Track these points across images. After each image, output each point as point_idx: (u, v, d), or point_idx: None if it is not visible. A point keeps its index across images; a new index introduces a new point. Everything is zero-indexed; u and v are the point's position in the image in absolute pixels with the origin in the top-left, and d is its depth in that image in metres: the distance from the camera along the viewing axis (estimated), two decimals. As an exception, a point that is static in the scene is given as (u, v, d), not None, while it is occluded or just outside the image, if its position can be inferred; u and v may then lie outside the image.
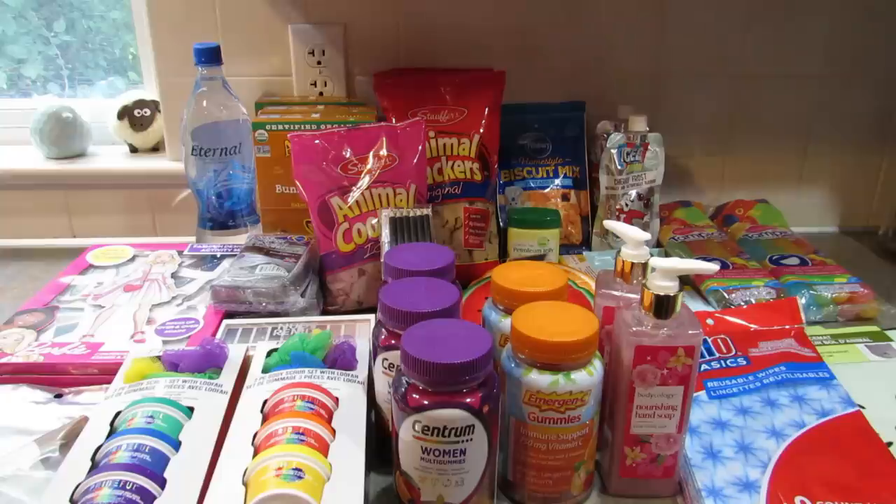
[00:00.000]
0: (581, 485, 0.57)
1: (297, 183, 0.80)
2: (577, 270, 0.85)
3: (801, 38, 1.02)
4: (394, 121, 0.89)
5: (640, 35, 1.00)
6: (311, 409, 0.54)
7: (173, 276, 0.84)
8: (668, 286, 0.52)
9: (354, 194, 0.80)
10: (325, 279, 0.81)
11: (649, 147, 0.94)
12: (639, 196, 0.96)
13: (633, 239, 0.58)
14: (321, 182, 0.80)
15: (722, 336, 0.69)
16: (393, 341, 0.55)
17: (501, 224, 0.94)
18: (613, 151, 0.94)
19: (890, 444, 0.58)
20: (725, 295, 0.81)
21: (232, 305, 0.76)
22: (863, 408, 0.61)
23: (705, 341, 0.69)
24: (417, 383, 0.49)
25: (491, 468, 0.52)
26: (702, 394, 0.63)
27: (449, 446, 0.49)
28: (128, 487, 0.47)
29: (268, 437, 0.51)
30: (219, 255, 0.89)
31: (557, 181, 1.00)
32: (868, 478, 0.54)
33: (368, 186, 0.81)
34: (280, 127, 0.87)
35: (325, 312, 0.80)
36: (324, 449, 0.51)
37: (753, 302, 0.80)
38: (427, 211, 0.79)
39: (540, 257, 0.87)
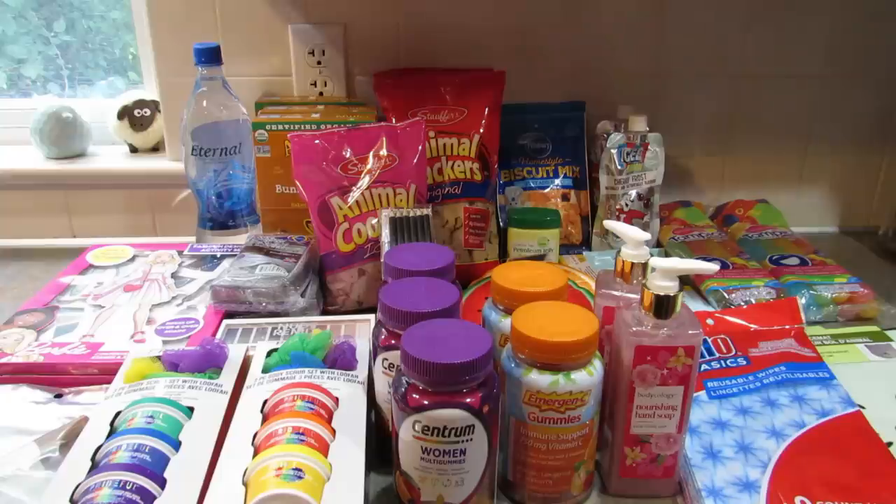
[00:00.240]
0: (581, 485, 0.57)
1: (297, 183, 0.80)
2: (577, 270, 0.85)
3: (802, 38, 1.02)
4: (394, 121, 0.89)
5: (640, 35, 1.00)
6: (311, 409, 0.54)
7: (173, 276, 0.84)
8: (668, 286, 0.52)
9: (354, 194, 0.80)
10: (325, 279, 0.81)
11: (649, 147, 0.94)
12: (639, 196, 0.96)
13: (633, 239, 0.58)
14: (321, 182, 0.80)
15: (722, 336, 0.69)
16: (393, 341, 0.55)
17: (501, 224, 0.94)
18: (613, 151, 0.94)
19: (890, 444, 0.58)
20: (725, 295, 0.81)
21: (232, 305, 0.76)
22: (863, 408, 0.61)
23: (705, 341, 0.69)
24: (417, 383, 0.49)
25: (491, 468, 0.52)
26: (702, 394, 0.63)
27: (449, 446, 0.49)
28: (128, 487, 0.47)
29: (268, 437, 0.51)
30: (219, 255, 0.89)
31: (557, 181, 1.00)
32: (868, 478, 0.54)
33: (368, 186, 0.81)
34: (280, 127, 0.87)
35: (325, 312, 0.80)
36: (324, 449, 0.51)
37: (753, 302, 0.80)
38: (427, 211, 0.79)
39: (540, 257, 0.87)
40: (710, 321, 0.73)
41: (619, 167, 0.94)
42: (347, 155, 0.81)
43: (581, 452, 0.55)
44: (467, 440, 0.49)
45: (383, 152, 0.82)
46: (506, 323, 0.58)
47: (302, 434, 0.51)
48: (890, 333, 0.75)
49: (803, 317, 0.72)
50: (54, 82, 1.12)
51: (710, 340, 0.69)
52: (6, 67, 1.10)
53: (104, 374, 0.65)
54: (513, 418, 0.54)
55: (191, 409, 0.55)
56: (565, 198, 0.99)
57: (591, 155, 1.01)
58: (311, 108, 0.93)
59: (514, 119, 0.98)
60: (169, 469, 0.49)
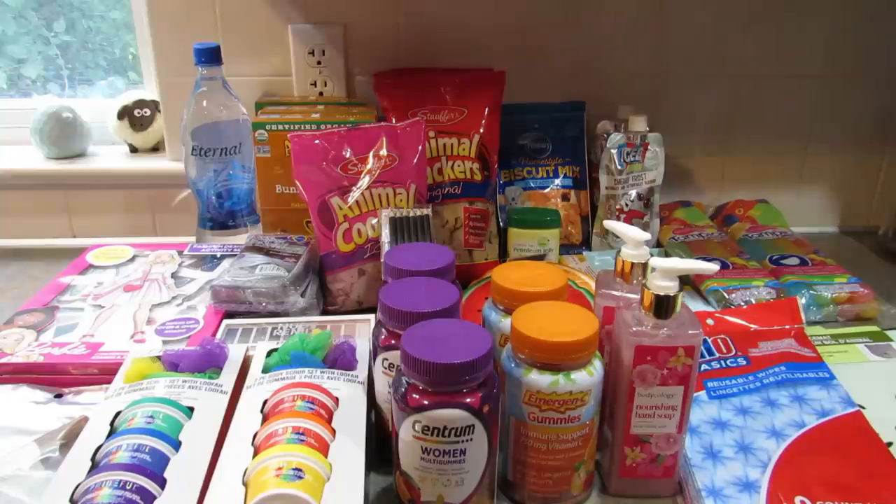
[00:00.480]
0: (581, 485, 0.57)
1: (297, 183, 0.80)
2: (577, 270, 0.85)
3: (802, 38, 1.02)
4: (394, 121, 0.89)
5: (640, 35, 1.00)
6: (311, 409, 0.54)
7: (173, 276, 0.84)
8: (668, 286, 0.52)
9: (354, 194, 0.80)
10: (325, 279, 0.81)
11: (649, 147, 0.94)
12: (639, 196, 0.96)
13: (633, 239, 0.58)
14: (321, 182, 0.80)
15: (722, 336, 0.69)
16: (393, 341, 0.55)
17: (501, 224, 0.94)
18: (613, 151, 0.94)
19: (890, 444, 0.58)
20: (725, 295, 0.81)
21: (232, 305, 0.76)
22: (863, 408, 0.61)
23: (705, 341, 0.69)
24: (417, 383, 0.49)
25: (491, 468, 0.52)
26: (702, 394, 0.63)
27: (449, 446, 0.49)
28: (128, 487, 0.47)
29: (268, 437, 0.51)
30: (219, 255, 0.89)
31: (557, 181, 1.00)
32: (868, 478, 0.54)
33: (368, 186, 0.81)
34: (280, 127, 0.87)
35: (325, 312, 0.80)
36: (324, 449, 0.51)
37: (753, 302, 0.80)
38: (427, 211, 0.79)
39: (540, 257, 0.87)
40: (710, 321, 0.73)
41: (619, 167, 0.94)
42: (347, 155, 0.81)
43: (581, 452, 0.55)
44: (467, 440, 0.49)
45: (383, 152, 0.82)
46: (506, 323, 0.58)
47: (302, 434, 0.51)
48: (890, 333, 0.75)
49: (803, 317, 0.72)
50: (54, 82, 1.12)
51: (710, 340, 0.69)
52: (6, 67, 1.10)
53: (104, 374, 0.65)
54: (513, 418, 0.54)
55: (191, 409, 0.55)
56: (565, 198, 0.99)
57: (591, 155, 1.01)
58: (311, 108, 0.93)
59: (514, 119, 0.98)
60: (169, 469, 0.49)
